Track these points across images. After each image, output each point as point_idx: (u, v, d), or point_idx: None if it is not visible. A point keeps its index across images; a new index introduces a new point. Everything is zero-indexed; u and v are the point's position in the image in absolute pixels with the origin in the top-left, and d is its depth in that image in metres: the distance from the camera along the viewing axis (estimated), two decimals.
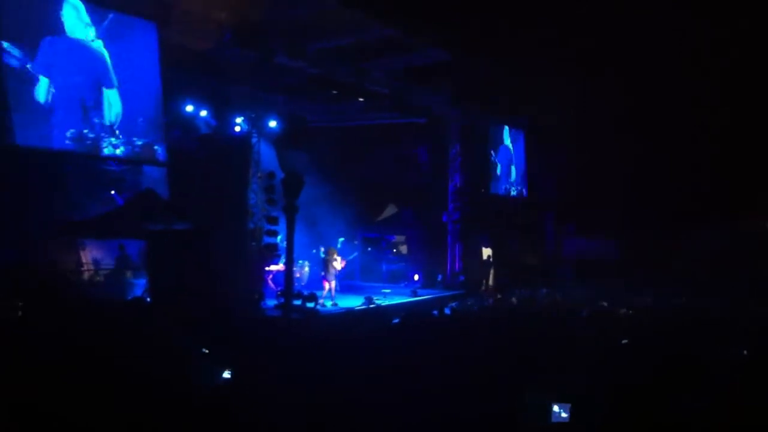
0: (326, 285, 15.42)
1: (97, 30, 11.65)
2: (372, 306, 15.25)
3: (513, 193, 22.27)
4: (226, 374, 7.44)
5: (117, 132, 11.91)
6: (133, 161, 12.16)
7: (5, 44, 10.38)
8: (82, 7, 11.50)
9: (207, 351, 7.08)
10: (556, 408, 3.77)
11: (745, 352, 9.21)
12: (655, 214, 21.10)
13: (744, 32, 17.61)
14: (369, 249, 19.58)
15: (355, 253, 19.13)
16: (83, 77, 11.60)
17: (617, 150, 21.60)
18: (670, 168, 21.16)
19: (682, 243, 19.96)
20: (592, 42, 18.51)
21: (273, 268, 15.42)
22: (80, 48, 11.56)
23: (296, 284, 14.71)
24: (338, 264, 15.95)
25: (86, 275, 11.30)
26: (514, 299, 16.37)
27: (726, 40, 18.03)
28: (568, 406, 3.75)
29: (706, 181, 20.58)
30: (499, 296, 17.16)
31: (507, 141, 21.99)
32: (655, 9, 17.12)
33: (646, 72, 19.88)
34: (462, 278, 19.18)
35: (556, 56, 18.42)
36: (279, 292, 14.07)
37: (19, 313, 9.72)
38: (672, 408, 5.89)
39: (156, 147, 12.41)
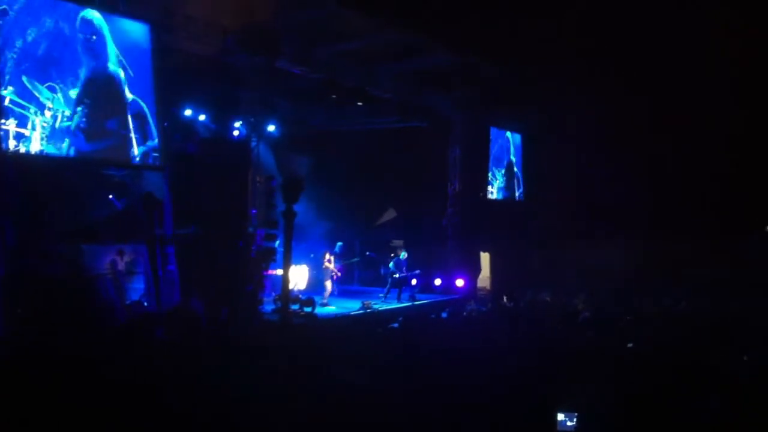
0: (326, 285, 16.19)
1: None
2: (369, 311, 15.25)
3: (514, 196, 22.21)
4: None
5: None
6: (133, 166, 12.10)
7: None
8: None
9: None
10: (561, 416, 3.73)
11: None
12: (661, 219, 20.96)
13: None
14: (367, 253, 19.57)
15: (356, 258, 19.15)
16: None
17: (620, 154, 21.52)
18: (675, 172, 21.02)
19: (690, 248, 19.75)
20: (602, 42, 18.31)
21: (271, 272, 15.40)
22: None
23: (294, 288, 14.74)
24: (330, 266, 16.40)
25: (87, 281, 11.25)
26: (513, 303, 16.33)
27: (757, 38, 17.72)
28: (575, 415, 3.70)
29: (715, 186, 20.34)
30: (498, 300, 17.12)
31: (508, 144, 21.96)
32: (672, 8, 16.87)
33: (657, 72, 19.59)
34: (461, 282, 19.08)
35: (562, 58, 18.31)
36: (276, 297, 14.03)
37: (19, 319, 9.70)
38: (683, 413, 5.83)
39: (155, 153, 12.36)
